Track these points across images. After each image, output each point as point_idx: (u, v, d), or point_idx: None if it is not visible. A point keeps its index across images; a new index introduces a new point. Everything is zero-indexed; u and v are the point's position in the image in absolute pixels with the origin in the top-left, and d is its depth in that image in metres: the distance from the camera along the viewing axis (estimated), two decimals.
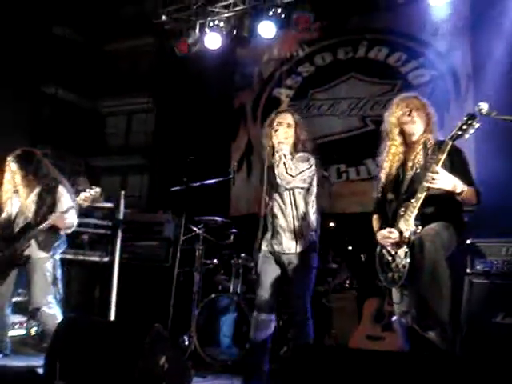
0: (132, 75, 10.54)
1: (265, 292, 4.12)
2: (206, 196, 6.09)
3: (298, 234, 4.08)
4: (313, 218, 4.18)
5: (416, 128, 3.68)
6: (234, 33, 7.57)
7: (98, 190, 4.72)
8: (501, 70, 6.18)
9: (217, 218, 5.89)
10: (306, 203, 4.14)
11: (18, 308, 5.60)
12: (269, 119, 4.32)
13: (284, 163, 4.03)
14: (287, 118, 4.24)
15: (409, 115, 3.68)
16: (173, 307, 5.56)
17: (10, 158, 4.98)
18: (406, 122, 3.70)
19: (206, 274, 5.89)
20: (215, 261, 5.87)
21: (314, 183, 4.20)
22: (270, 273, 4.14)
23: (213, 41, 7.52)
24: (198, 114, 8.22)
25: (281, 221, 4.13)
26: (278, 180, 4.08)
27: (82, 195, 4.66)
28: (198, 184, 5.74)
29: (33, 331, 5.93)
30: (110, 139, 11.02)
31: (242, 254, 5.53)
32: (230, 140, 8.28)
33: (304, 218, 4.11)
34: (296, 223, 4.09)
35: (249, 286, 5.52)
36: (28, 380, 3.54)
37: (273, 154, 4.16)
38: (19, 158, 4.97)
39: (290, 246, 4.09)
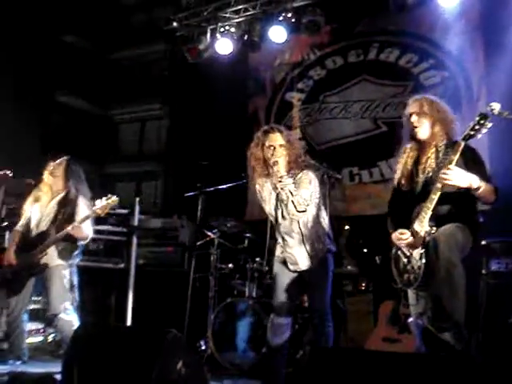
0: (144, 82, 10.58)
1: (281, 295, 4.12)
2: (220, 201, 6.11)
3: (311, 250, 4.06)
4: (324, 223, 4.17)
5: (421, 131, 3.67)
6: (245, 38, 7.60)
7: (115, 198, 4.75)
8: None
9: (231, 223, 5.91)
10: (317, 215, 4.12)
11: (35, 315, 5.65)
12: (256, 140, 4.21)
13: (292, 201, 3.96)
14: (277, 139, 4.09)
15: (412, 118, 3.69)
16: (189, 312, 5.58)
17: (54, 160, 5.04)
18: (411, 125, 3.70)
19: (221, 278, 5.91)
20: (230, 265, 5.89)
21: (320, 195, 4.18)
22: (286, 276, 4.14)
23: (224, 46, 7.54)
24: (211, 120, 8.24)
25: (290, 243, 4.12)
26: (287, 216, 4.06)
27: (99, 204, 4.69)
28: (212, 189, 5.76)
29: (50, 338, 5.98)
30: (124, 146, 11.06)
31: (257, 259, 5.53)
32: (243, 145, 8.28)
33: (314, 231, 4.10)
34: (306, 241, 4.07)
35: (264, 290, 5.53)
36: None
37: (266, 173, 4.15)
38: (69, 162, 5.04)
39: (304, 263, 4.08)
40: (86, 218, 4.72)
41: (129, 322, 5.73)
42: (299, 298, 4.67)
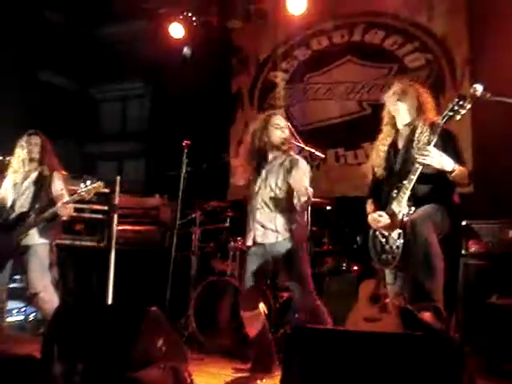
0: (126, 60, 10.46)
1: (248, 287, 4.17)
2: (202, 180, 6.08)
3: (280, 226, 4.09)
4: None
5: (401, 115, 3.72)
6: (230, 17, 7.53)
7: (100, 183, 4.70)
8: (498, 53, 6.16)
9: (213, 202, 5.90)
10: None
11: (16, 294, 5.62)
12: (262, 119, 4.31)
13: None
14: (283, 121, 4.29)
15: (394, 103, 3.72)
16: (170, 291, 5.57)
17: (28, 136, 4.97)
18: (392, 109, 3.75)
19: (202, 257, 5.91)
20: (212, 244, 5.89)
21: None
22: (253, 269, 4.16)
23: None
24: (193, 99, 8.19)
25: (264, 215, 4.15)
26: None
27: (84, 188, 4.64)
28: (193, 168, 5.73)
29: (31, 317, 5.95)
30: (105, 125, 10.97)
31: (239, 238, 5.53)
32: (227, 124, 8.26)
33: (286, 212, 4.12)
34: (278, 216, 4.11)
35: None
36: (26, 365, 3.55)
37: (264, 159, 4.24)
38: (39, 136, 4.97)
39: (271, 237, 4.11)
40: (72, 200, 4.68)
41: (110, 301, 5.71)
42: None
